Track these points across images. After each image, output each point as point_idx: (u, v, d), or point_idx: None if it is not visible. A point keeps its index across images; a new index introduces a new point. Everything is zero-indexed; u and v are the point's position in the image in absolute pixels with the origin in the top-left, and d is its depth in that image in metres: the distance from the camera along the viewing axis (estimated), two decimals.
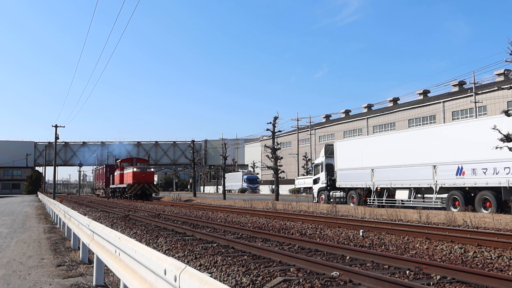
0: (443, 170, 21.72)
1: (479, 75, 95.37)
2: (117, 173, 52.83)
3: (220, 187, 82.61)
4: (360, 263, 8.08)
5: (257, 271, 7.33)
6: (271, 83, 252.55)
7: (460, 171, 20.90)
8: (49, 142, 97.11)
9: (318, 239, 11.52)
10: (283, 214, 19.84)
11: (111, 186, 56.37)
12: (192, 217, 20.08)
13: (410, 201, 23.78)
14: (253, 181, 76.12)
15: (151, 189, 46.27)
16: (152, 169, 48.59)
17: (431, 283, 6.47)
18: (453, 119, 51.94)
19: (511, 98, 45.79)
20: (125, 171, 49.65)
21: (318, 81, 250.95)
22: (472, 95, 46.16)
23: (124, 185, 47.59)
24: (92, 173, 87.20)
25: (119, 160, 53.31)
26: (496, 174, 19.26)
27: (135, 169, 45.83)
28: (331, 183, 30.24)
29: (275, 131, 38.26)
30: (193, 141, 56.86)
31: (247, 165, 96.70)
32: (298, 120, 72.23)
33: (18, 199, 57.22)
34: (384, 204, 25.09)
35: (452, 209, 20.81)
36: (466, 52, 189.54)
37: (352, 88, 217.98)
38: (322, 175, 31.49)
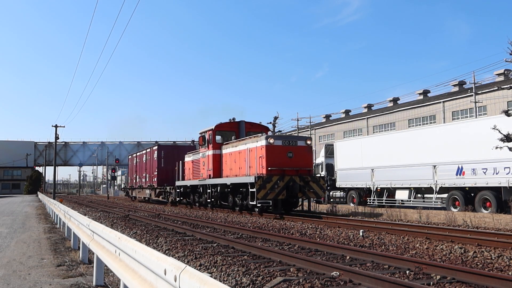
0: (443, 170, 21.73)
1: (479, 75, 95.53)
2: (201, 155, 25.18)
3: None
4: (360, 263, 8.08)
5: (257, 271, 7.33)
6: (271, 83, 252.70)
7: (460, 171, 20.93)
8: (49, 142, 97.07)
9: (318, 239, 11.52)
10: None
11: (180, 182, 28.57)
12: (192, 217, 20.08)
13: (410, 201, 23.81)
14: None
15: (308, 187, 19.50)
16: (309, 142, 20.45)
17: (431, 283, 6.47)
18: (453, 119, 51.94)
19: (511, 98, 45.78)
20: (226, 150, 22.94)
21: (319, 81, 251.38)
22: (472, 95, 46.14)
23: (242, 179, 20.27)
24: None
25: (210, 129, 24.13)
26: (496, 174, 19.28)
27: (271, 141, 19.57)
28: (331, 183, 30.26)
29: (275, 131, 38.32)
30: (193, 141, 56.63)
31: None
32: (298, 120, 72.25)
33: (18, 199, 57.22)
34: (384, 204, 25.10)
35: (452, 209, 20.83)
36: (466, 52, 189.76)
37: (352, 88, 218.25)
38: (322, 175, 31.53)
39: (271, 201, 18.76)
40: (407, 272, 7.14)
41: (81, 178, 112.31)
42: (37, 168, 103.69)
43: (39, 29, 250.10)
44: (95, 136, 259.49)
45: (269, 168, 18.99)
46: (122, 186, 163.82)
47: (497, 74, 51.87)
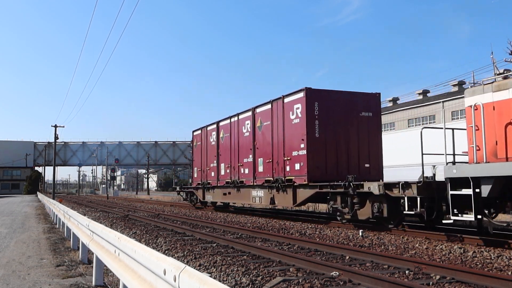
0: (443, 170, 21.73)
1: (478, 75, 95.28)
2: None
3: None
4: (360, 263, 8.08)
5: (256, 271, 7.33)
6: (272, 83, 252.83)
7: None
8: (48, 142, 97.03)
9: (318, 239, 11.53)
10: (282, 214, 19.83)
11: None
12: (191, 217, 20.08)
13: None
14: None
15: None
16: None
17: (431, 283, 6.47)
18: (452, 119, 51.98)
19: None
20: None
21: (319, 81, 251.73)
22: None
23: None
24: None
25: None
26: None
27: None
28: None
29: None
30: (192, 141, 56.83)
31: None
32: None
33: (17, 199, 57.18)
34: None
35: None
36: (466, 52, 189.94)
37: (352, 88, 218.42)
38: None
39: None
40: (407, 272, 7.15)
41: (81, 178, 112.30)
42: (36, 168, 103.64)
43: (39, 29, 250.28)
44: (95, 136, 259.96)
45: None
46: (122, 186, 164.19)
47: (497, 74, 51.86)
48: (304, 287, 6.32)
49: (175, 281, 3.24)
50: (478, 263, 8.01)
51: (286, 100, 16.98)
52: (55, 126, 53.47)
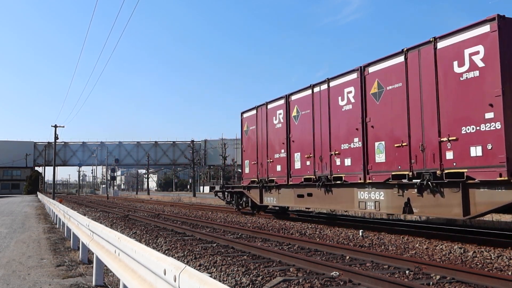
0: None
1: None
2: None
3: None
4: (360, 263, 8.08)
5: (256, 271, 7.33)
6: (272, 82, 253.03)
7: None
8: (48, 142, 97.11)
9: (318, 239, 11.53)
10: (282, 214, 19.83)
11: None
12: (191, 217, 20.08)
13: None
14: None
15: None
16: None
17: (431, 283, 6.47)
18: None
19: None
20: None
21: (319, 80, 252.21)
22: None
23: None
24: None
25: None
26: None
27: None
28: None
29: None
30: (192, 141, 57.01)
31: None
32: None
33: (17, 199, 57.18)
34: None
35: None
36: None
37: None
38: None
39: None
40: (407, 272, 7.15)
41: (81, 178, 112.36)
42: (36, 168, 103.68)
43: (39, 29, 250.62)
44: (95, 136, 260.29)
45: None
46: (122, 186, 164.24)
47: None
48: (304, 287, 6.32)
49: (175, 281, 3.24)
50: (478, 263, 8.01)
51: (443, 43, 10.61)
52: (55, 126, 53.47)
